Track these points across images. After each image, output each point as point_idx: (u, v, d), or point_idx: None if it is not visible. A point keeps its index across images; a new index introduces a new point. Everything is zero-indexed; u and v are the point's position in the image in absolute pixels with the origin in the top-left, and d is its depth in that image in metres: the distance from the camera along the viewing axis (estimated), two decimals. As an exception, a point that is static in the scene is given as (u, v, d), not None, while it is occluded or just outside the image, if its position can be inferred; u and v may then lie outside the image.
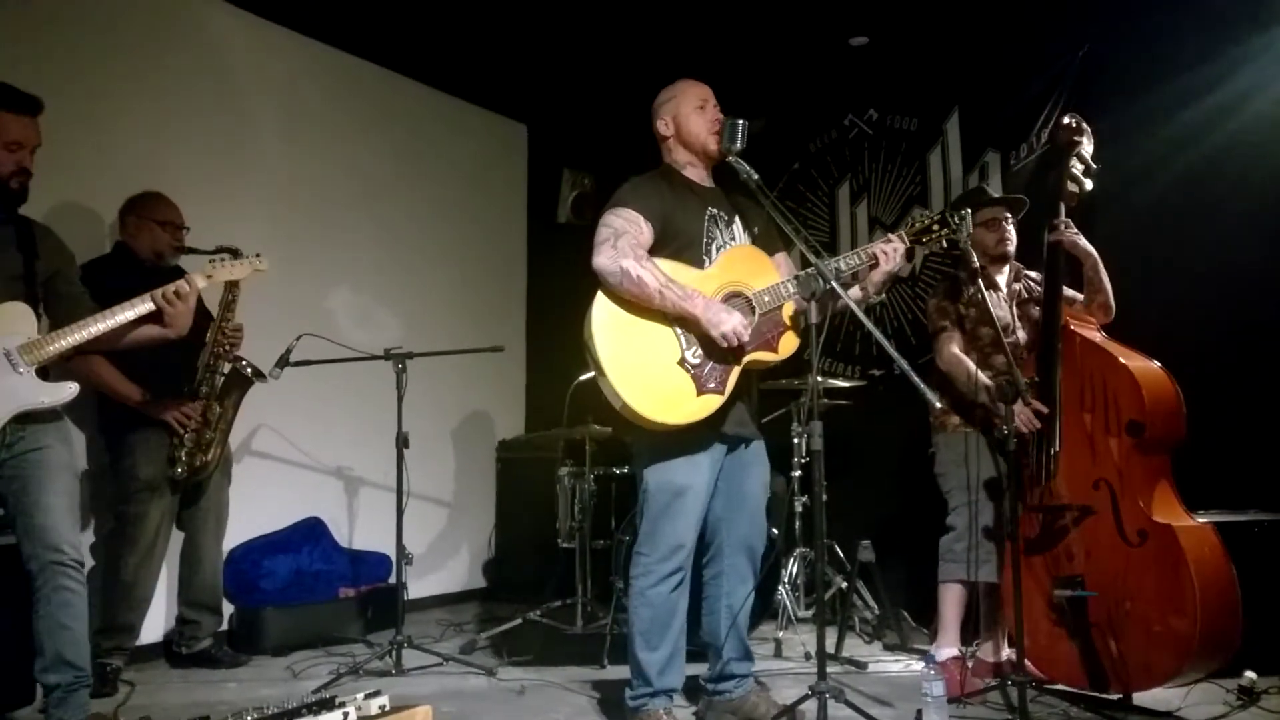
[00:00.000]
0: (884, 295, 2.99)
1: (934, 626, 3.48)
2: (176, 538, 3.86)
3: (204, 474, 3.75)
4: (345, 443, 4.98)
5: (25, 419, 2.64)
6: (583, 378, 3.58)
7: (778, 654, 3.92)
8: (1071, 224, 3.25)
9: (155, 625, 3.98)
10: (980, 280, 3.24)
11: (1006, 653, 3.35)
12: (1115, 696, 2.99)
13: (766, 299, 2.80)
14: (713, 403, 2.72)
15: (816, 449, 2.63)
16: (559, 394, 4.28)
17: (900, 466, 4.09)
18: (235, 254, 3.20)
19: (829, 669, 2.60)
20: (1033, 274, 3.55)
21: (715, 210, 2.93)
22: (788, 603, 4.11)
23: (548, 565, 4.65)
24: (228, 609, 4.19)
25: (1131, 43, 4.28)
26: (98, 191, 3.95)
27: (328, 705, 2.37)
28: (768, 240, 3.04)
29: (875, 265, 2.84)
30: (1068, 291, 3.37)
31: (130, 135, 4.15)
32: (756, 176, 2.77)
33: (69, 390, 2.70)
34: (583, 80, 5.58)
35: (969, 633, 3.51)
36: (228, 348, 3.77)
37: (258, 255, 3.10)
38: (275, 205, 4.73)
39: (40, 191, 2.89)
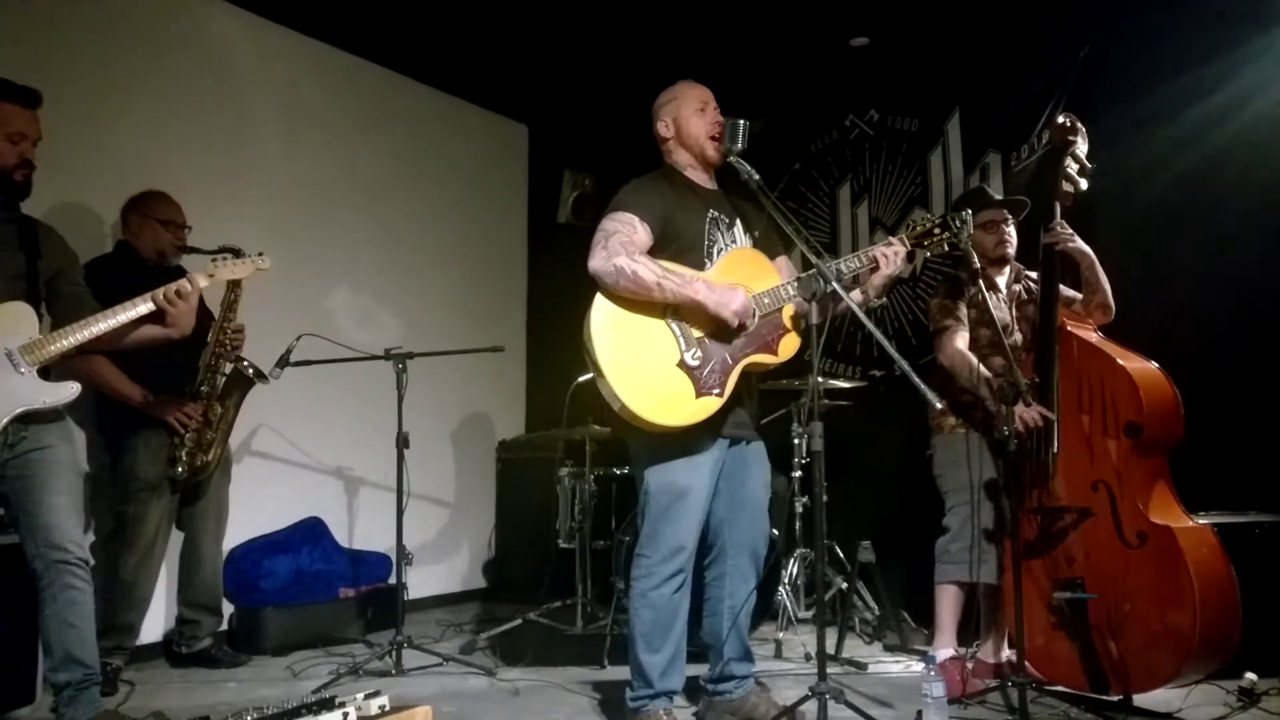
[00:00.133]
0: (885, 298, 2.99)
1: (932, 628, 3.49)
2: (176, 538, 3.86)
3: (204, 474, 3.75)
4: (345, 443, 4.98)
5: (27, 419, 2.64)
6: (582, 378, 3.58)
7: (778, 655, 3.92)
8: (1066, 225, 3.24)
9: (155, 625, 3.99)
10: (981, 281, 3.24)
11: (1006, 653, 3.35)
12: (1115, 698, 2.99)
13: (767, 301, 2.80)
14: (712, 404, 2.72)
15: (817, 449, 2.63)
16: (559, 394, 4.28)
17: (901, 467, 4.09)
18: (237, 253, 3.20)
19: (829, 670, 2.60)
20: (1032, 274, 3.54)
21: (716, 213, 2.93)
22: (788, 603, 4.11)
23: (548, 566, 4.65)
24: (228, 609, 4.19)
25: (1132, 43, 4.28)
26: (98, 191, 3.95)
27: (328, 705, 2.37)
28: (768, 243, 3.04)
29: (876, 268, 2.84)
30: (1067, 292, 3.37)
31: (130, 135, 4.15)
32: (758, 177, 2.77)
33: (70, 390, 2.70)
34: (584, 81, 5.58)
35: (969, 633, 3.51)
36: (229, 348, 3.76)
37: (260, 254, 3.10)
38: (275, 205, 4.73)
39: (41, 191, 2.89)
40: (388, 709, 2.45)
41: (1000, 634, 3.39)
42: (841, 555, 4.37)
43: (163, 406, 3.62)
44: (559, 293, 5.43)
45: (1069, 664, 3.04)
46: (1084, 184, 3.25)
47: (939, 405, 2.60)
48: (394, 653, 3.71)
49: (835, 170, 5.30)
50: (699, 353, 2.73)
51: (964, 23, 4.74)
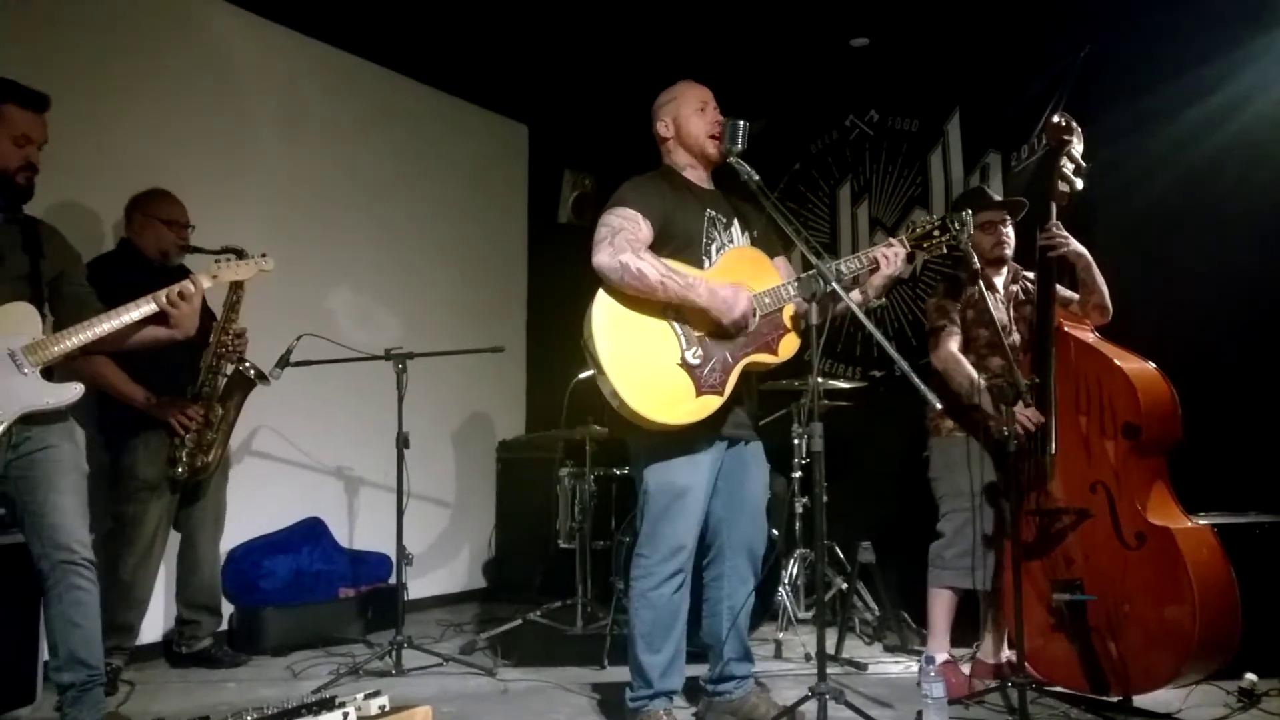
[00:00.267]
0: (884, 299, 2.99)
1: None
2: (175, 538, 3.85)
3: (204, 475, 3.74)
4: (345, 443, 4.98)
5: (30, 419, 2.64)
6: (582, 376, 3.58)
7: (778, 655, 3.93)
8: (1062, 226, 3.23)
9: (155, 625, 3.99)
10: (980, 281, 3.24)
11: (1006, 654, 3.35)
12: (1115, 699, 2.99)
13: (767, 301, 2.80)
14: (712, 403, 2.72)
15: (817, 450, 2.63)
16: (559, 394, 4.28)
17: (901, 468, 4.09)
18: (240, 254, 3.19)
19: (829, 670, 2.60)
20: (1030, 275, 3.53)
21: (714, 212, 2.94)
22: (788, 604, 4.11)
23: (548, 566, 4.65)
24: (228, 609, 4.19)
25: (1132, 43, 4.28)
26: (98, 191, 3.95)
27: (328, 705, 2.37)
28: (767, 244, 3.04)
29: (875, 269, 2.84)
30: (1064, 292, 3.36)
31: (130, 135, 4.15)
32: (758, 177, 2.77)
33: (74, 391, 2.70)
34: (584, 81, 5.58)
35: (969, 634, 3.51)
36: (231, 350, 3.75)
37: (263, 255, 3.09)
38: (275, 205, 4.74)
39: (41, 191, 2.88)
40: (388, 709, 2.46)
41: (1000, 634, 3.39)
42: (841, 556, 4.37)
43: (164, 408, 3.62)
44: (559, 293, 5.44)
45: (1069, 665, 3.04)
46: (1080, 184, 3.24)
47: (939, 406, 2.60)
48: (394, 653, 3.71)
49: (835, 170, 5.30)
50: (699, 351, 2.73)
51: (964, 23, 4.74)
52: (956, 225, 2.83)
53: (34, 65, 3.46)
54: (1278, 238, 3.86)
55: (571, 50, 5.28)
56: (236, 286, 3.70)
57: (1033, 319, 3.35)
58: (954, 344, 3.38)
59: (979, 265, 3.27)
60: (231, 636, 4.17)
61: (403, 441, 3.84)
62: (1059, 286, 3.28)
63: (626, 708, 2.85)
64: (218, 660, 3.87)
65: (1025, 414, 3.07)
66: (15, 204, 2.77)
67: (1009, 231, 3.48)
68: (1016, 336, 3.44)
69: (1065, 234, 3.22)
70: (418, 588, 5.03)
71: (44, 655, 3.12)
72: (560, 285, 5.28)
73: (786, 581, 4.20)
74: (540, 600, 4.47)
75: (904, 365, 2.55)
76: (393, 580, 4.53)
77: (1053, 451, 3.09)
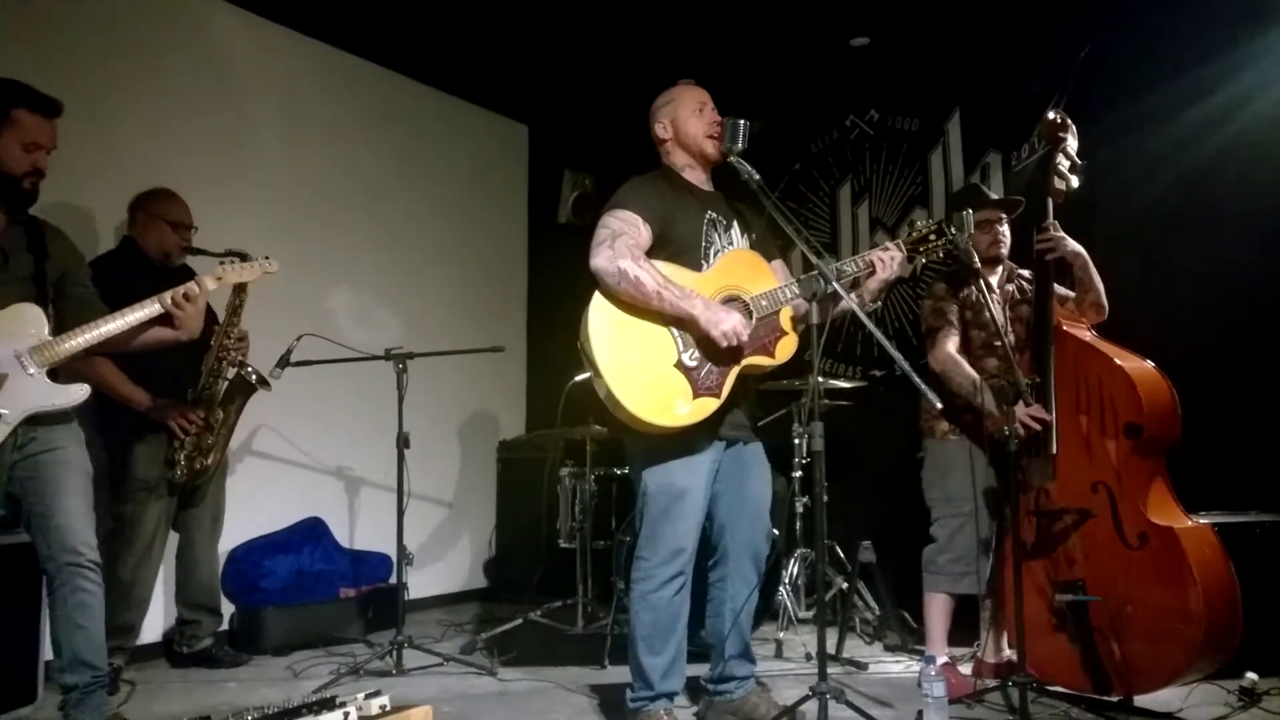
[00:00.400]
0: (880, 302, 2.99)
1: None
2: (174, 538, 3.85)
3: (203, 478, 3.72)
4: (346, 443, 4.98)
5: (36, 420, 2.64)
6: (579, 378, 3.58)
7: (779, 655, 3.93)
8: (1058, 226, 3.23)
9: (155, 624, 3.99)
10: (980, 281, 3.23)
11: (1007, 653, 3.35)
12: (1116, 698, 2.99)
13: (764, 303, 2.79)
14: (709, 405, 2.72)
15: (817, 450, 2.64)
16: (559, 394, 4.27)
17: (901, 467, 4.08)
18: (244, 257, 3.18)
19: (830, 670, 2.61)
20: (1024, 273, 3.53)
21: (714, 214, 2.94)
22: (788, 604, 4.10)
23: (548, 565, 4.65)
24: (228, 609, 4.19)
25: (1132, 43, 4.28)
26: (98, 191, 3.95)
27: (328, 705, 2.37)
28: (765, 247, 3.03)
29: (872, 272, 2.84)
30: (1060, 290, 3.35)
31: (131, 135, 4.15)
32: (758, 177, 2.77)
33: (80, 392, 2.70)
34: (584, 81, 5.58)
35: (969, 634, 3.51)
36: (233, 353, 3.74)
37: (267, 258, 3.09)
38: (276, 205, 4.74)
39: (42, 191, 2.88)
40: (388, 709, 2.46)
41: (1000, 634, 3.39)
42: (842, 555, 4.36)
43: (165, 410, 3.61)
44: (559, 293, 5.43)
45: (1070, 665, 3.04)
46: (1075, 182, 3.23)
47: (939, 406, 2.60)
48: (394, 653, 3.71)
49: (835, 170, 5.30)
50: (697, 354, 2.73)
51: (964, 23, 4.74)
52: (954, 230, 2.82)
53: (34, 65, 3.46)
54: (1278, 238, 3.86)
55: (571, 50, 5.28)
56: (239, 290, 3.67)
57: (1029, 318, 3.35)
58: (952, 345, 3.37)
59: (979, 265, 3.27)
60: (232, 636, 4.17)
61: (403, 441, 3.84)
62: (1055, 284, 3.28)
63: (627, 708, 2.85)
64: (218, 660, 3.87)
65: (1029, 412, 3.06)
66: (20, 207, 2.77)
67: (1005, 230, 3.47)
68: (1012, 336, 3.44)
69: (1062, 234, 3.21)
70: (418, 587, 5.03)
71: (45, 655, 3.13)
72: (560, 285, 5.27)
73: (787, 581, 4.20)
74: (540, 600, 4.47)
75: (904, 365, 2.55)
76: (393, 580, 4.53)
77: (1054, 452, 3.08)
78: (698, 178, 3.00)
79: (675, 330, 2.74)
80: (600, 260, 2.71)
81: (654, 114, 3.01)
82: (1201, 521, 3.02)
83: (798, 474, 4.34)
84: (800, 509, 4.33)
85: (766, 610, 4.11)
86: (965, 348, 3.40)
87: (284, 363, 3.81)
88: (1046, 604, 3.07)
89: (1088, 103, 4.19)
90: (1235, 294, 3.89)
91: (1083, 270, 3.29)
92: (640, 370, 2.68)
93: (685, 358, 2.72)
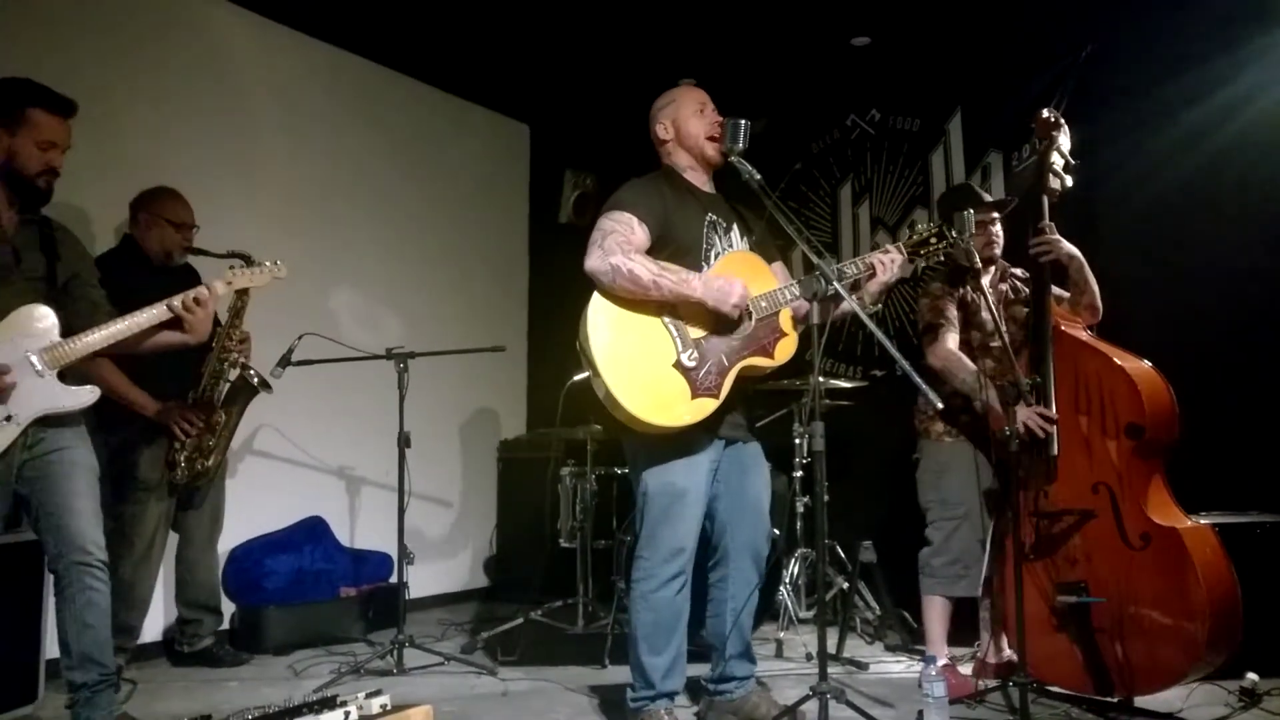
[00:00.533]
0: (880, 305, 2.99)
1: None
2: (174, 538, 3.85)
3: (204, 480, 3.71)
4: (347, 442, 4.98)
5: (45, 421, 2.65)
6: (577, 377, 3.58)
7: (779, 654, 3.93)
8: (1054, 227, 3.22)
9: (156, 624, 4.00)
10: (980, 280, 3.23)
11: (1008, 654, 3.35)
12: (1116, 699, 2.99)
13: (764, 305, 2.79)
14: (708, 405, 2.72)
15: (818, 449, 2.63)
16: (560, 394, 4.28)
17: (902, 467, 4.08)
18: (247, 260, 3.17)
19: (830, 669, 2.61)
20: (1018, 272, 3.53)
21: (714, 216, 2.94)
22: (789, 603, 4.11)
23: (549, 565, 4.65)
24: (229, 608, 4.20)
25: (1132, 43, 4.28)
26: (99, 192, 3.94)
27: (329, 704, 2.37)
28: (765, 249, 3.03)
29: (872, 275, 2.84)
30: (1055, 290, 3.35)
31: (132, 135, 4.16)
32: (759, 177, 2.77)
33: (90, 394, 2.70)
34: (585, 80, 5.58)
35: (969, 634, 3.51)
36: (235, 354, 3.73)
37: (276, 262, 3.06)
38: (276, 205, 4.74)
39: (50, 190, 2.89)
40: (389, 708, 2.46)
41: (1000, 635, 3.39)
42: (842, 555, 4.37)
43: (167, 412, 3.60)
44: (560, 292, 5.42)
45: (1071, 666, 3.03)
46: (1069, 180, 3.23)
47: (939, 405, 2.60)
48: (395, 652, 3.71)
49: (836, 170, 5.30)
50: (695, 354, 2.73)
51: (965, 23, 4.74)
52: (954, 233, 2.83)
53: (35, 65, 3.45)
54: (1278, 238, 3.86)
55: (573, 50, 5.28)
56: (242, 293, 3.66)
57: (1023, 318, 3.35)
58: (952, 341, 3.36)
59: (979, 266, 3.27)
60: (233, 635, 4.18)
61: (404, 441, 3.85)
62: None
63: (628, 708, 2.85)
64: (219, 659, 3.88)
65: (1037, 412, 3.06)
66: (33, 206, 2.77)
67: (998, 231, 3.47)
68: (1008, 336, 3.43)
69: (1057, 236, 3.21)
70: (419, 587, 5.02)
71: (46, 654, 3.14)
72: (561, 285, 5.25)
73: (788, 581, 4.21)
74: (541, 599, 4.47)
75: (905, 364, 2.55)
76: (394, 579, 4.54)
77: (1055, 452, 3.08)
78: (699, 179, 3.00)
79: (674, 330, 2.74)
80: (592, 261, 2.72)
81: (655, 115, 3.01)
82: (1202, 522, 3.02)
83: (798, 474, 4.34)
84: (801, 509, 4.33)
85: (767, 610, 4.11)
86: (963, 347, 3.39)
87: (285, 362, 3.81)
88: (1047, 604, 3.07)
89: (1088, 103, 4.19)
90: (1235, 294, 3.90)
91: (1078, 272, 3.28)
92: (639, 371, 2.68)
93: (684, 358, 2.72)
